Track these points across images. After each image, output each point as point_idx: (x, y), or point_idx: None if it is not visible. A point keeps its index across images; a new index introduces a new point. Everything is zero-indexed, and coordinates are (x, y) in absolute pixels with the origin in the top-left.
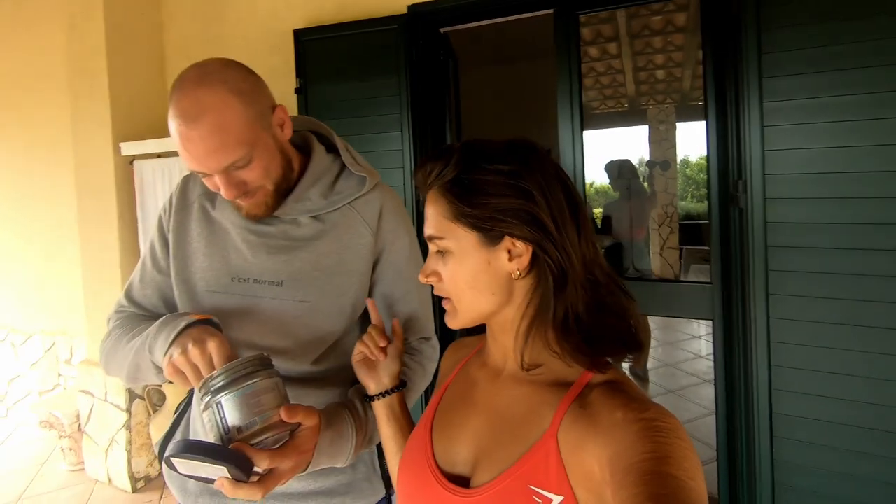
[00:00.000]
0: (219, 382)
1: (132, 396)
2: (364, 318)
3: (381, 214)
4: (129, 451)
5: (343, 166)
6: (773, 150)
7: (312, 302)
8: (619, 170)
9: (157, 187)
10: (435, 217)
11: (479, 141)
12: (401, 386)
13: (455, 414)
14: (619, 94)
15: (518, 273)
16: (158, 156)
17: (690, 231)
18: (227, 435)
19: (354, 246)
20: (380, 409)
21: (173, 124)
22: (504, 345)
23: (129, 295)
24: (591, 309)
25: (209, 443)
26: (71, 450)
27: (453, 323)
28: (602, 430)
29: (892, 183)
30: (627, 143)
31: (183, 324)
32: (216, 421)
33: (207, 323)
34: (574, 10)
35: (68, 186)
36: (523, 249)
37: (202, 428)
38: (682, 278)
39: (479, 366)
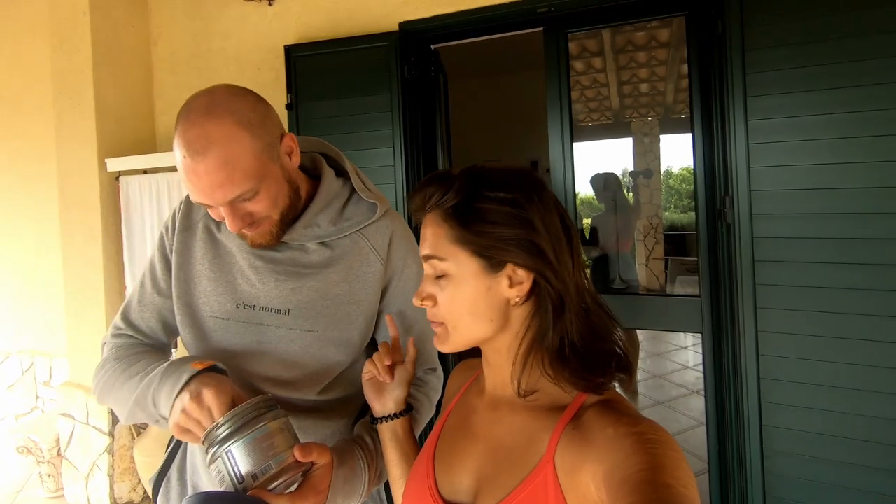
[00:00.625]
0: (224, 431)
1: (115, 419)
2: (371, 347)
3: (391, 242)
4: (111, 477)
5: (352, 191)
6: (759, 167)
7: (319, 332)
8: (605, 182)
9: (144, 204)
10: (435, 239)
11: (480, 168)
12: (406, 411)
13: (456, 442)
14: (603, 107)
15: (517, 300)
16: (145, 171)
17: (675, 241)
18: (242, 484)
19: (363, 275)
20: (384, 432)
21: (178, 154)
22: (499, 371)
23: (125, 317)
24: (583, 334)
25: (226, 493)
26: (50, 476)
27: (444, 347)
28: (595, 448)
29: (873, 199)
30: (612, 155)
31: (185, 377)
32: (228, 471)
33: (211, 370)
34: (563, 28)
35: (51, 202)
36: (524, 277)
37: (202, 463)
38: (668, 289)
39: (477, 393)
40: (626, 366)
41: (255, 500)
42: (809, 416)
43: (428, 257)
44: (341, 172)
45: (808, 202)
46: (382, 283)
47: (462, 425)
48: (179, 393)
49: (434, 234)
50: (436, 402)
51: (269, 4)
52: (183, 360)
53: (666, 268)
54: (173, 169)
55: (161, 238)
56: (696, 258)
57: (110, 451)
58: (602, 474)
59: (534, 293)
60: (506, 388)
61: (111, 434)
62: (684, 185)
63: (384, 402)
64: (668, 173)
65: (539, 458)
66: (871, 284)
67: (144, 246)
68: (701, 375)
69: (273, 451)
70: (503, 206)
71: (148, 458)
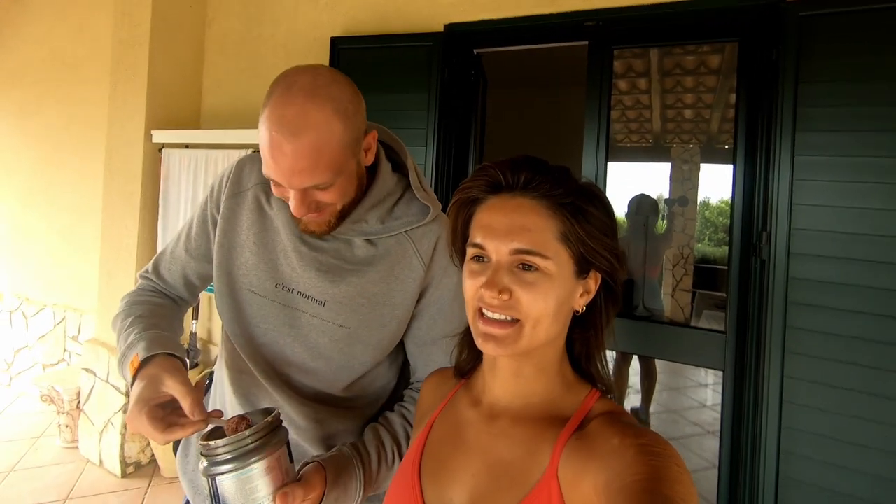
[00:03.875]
0: (219, 455)
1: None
2: (398, 349)
3: (436, 248)
4: (123, 436)
5: (405, 188)
6: (802, 205)
7: (352, 329)
8: (639, 205)
9: (182, 177)
10: (541, 232)
11: (560, 166)
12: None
13: (446, 456)
14: (644, 129)
15: (582, 309)
16: (186, 146)
17: (705, 275)
18: None
19: (404, 278)
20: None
21: (267, 127)
22: (525, 383)
23: (156, 264)
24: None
25: None
26: (67, 426)
27: (508, 349)
28: (598, 457)
29: None
30: (648, 179)
31: (129, 378)
32: (211, 492)
33: (147, 360)
34: (609, 44)
35: (96, 166)
36: (593, 286)
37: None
38: (692, 323)
39: (470, 403)
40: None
41: None
42: (830, 471)
43: (523, 252)
44: (397, 165)
45: (851, 247)
46: (420, 288)
47: (452, 438)
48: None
49: (538, 226)
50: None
51: None
52: (129, 349)
53: (692, 300)
54: (214, 146)
55: (205, 201)
56: (724, 294)
57: (125, 410)
58: (603, 484)
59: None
60: (514, 399)
61: (127, 395)
62: (720, 219)
63: None
64: (706, 204)
65: (542, 473)
66: None
67: (178, 216)
68: (718, 416)
69: (256, 494)
70: (607, 216)
71: None
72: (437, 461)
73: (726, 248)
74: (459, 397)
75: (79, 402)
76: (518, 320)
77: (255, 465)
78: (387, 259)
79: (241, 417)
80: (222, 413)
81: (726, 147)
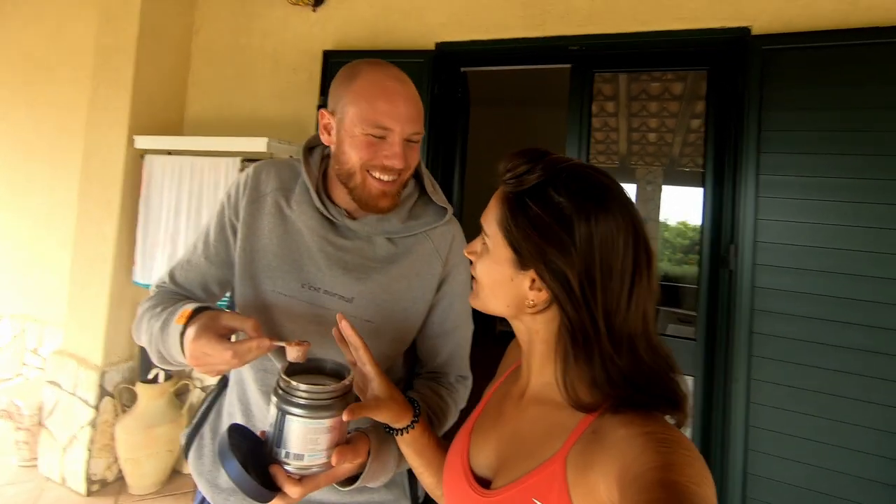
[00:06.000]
0: (298, 398)
1: (102, 393)
2: (410, 349)
3: (451, 246)
4: (90, 451)
5: (420, 192)
6: (765, 220)
7: (377, 324)
8: None
9: (165, 184)
10: (490, 214)
11: (568, 163)
12: (415, 417)
13: (490, 422)
14: (611, 150)
15: (532, 304)
16: (169, 152)
17: (668, 292)
18: (276, 446)
19: (425, 275)
20: (402, 444)
21: (379, 79)
22: (530, 366)
23: (171, 273)
24: (627, 372)
25: (243, 464)
26: (26, 443)
27: (474, 303)
28: (607, 448)
29: (872, 262)
30: None
31: (177, 335)
32: (276, 427)
33: (196, 313)
34: (591, 68)
35: (71, 170)
36: (543, 290)
37: (226, 424)
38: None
39: (515, 379)
40: (675, 401)
41: (266, 477)
42: (793, 468)
43: (480, 224)
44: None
45: (809, 258)
46: (438, 282)
47: (498, 406)
48: (182, 348)
49: (492, 209)
50: (459, 410)
51: (314, 10)
52: (170, 315)
53: (656, 317)
54: (197, 153)
55: (222, 207)
56: (688, 310)
57: (93, 424)
58: (615, 475)
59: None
60: (535, 383)
61: (97, 408)
62: (678, 239)
63: (388, 411)
64: (664, 225)
65: (552, 453)
66: (863, 345)
67: (159, 224)
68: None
69: (314, 445)
70: (550, 213)
71: (128, 436)
72: (485, 424)
73: (686, 267)
74: (515, 371)
75: (40, 418)
76: (476, 279)
77: (325, 420)
78: (408, 257)
79: (302, 341)
80: (283, 338)
81: (687, 170)
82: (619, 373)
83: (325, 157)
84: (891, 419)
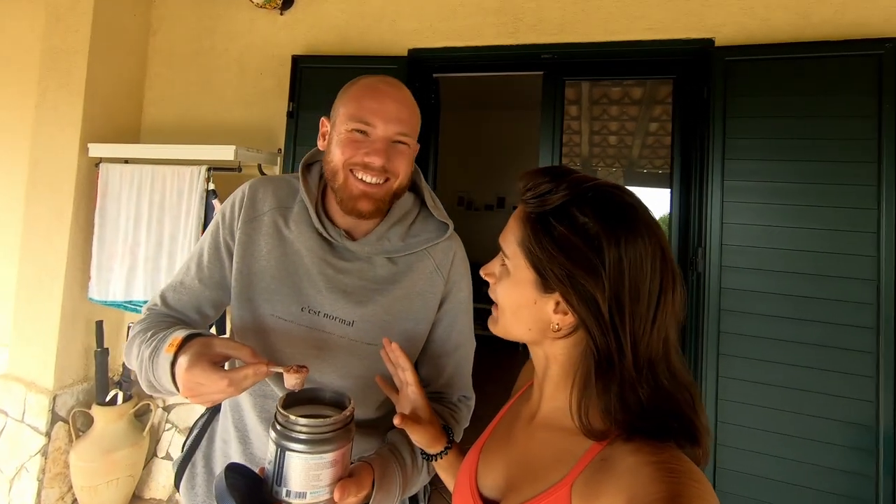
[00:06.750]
0: (296, 433)
1: (55, 419)
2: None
3: (453, 262)
4: (40, 482)
5: (420, 207)
6: (731, 224)
7: (379, 346)
8: None
9: (122, 194)
10: (510, 234)
11: (593, 182)
12: (450, 441)
13: (500, 442)
14: (573, 153)
15: (557, 327)
16: (126, 161)
17: None
18: (277, 485)
19: (425, 294)
20: (439, 469)
21: (371, 83)
22: (542, 390)
23: (163, 295)
24: (646, 400)
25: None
26: None
27: (493, 328)
28: (616, 478)
29: (828, 263)
30: None
31: (167, 364)
32: (275, 459)
33: (187, 340)
34: (562, 75)
35: (15, 180)
36: (569, 313)
37: (235, 452)
38: None
39: (526, 399)
40: (692, 436)
41: None
42: (760, 460)
43: (499, 246)
44: (411, 187)
45: (771, 260)
46: (440, 300)
47: (508, 427)
48: (173, 378)
49: (512, 230)
50: (464, 428)
51: (281, 14)
52: (160, 342)
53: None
54: (156, 161)
55: (216, 227)
56: None
57: (44, 453)
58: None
59: (580, 332)
60: (546, 407)
61: (48, 435)
62: None
63: (425, 431)
64: None
65: (559, 479)
66: (821, 340)
67: (117, 236)
68: None
69: (317, 482)
70: (577, 235)
71: (85, 463)
72: (494, 444)
73: None
74: (526, 392)
75: None
76: (496, 304)
77: (327, 455)
78: (409, 276)
79: (301, 367)
80: (281, 363)
81: (645, 171)
82: (638, 401)
83: (324, 176)
84: (848, 410)
